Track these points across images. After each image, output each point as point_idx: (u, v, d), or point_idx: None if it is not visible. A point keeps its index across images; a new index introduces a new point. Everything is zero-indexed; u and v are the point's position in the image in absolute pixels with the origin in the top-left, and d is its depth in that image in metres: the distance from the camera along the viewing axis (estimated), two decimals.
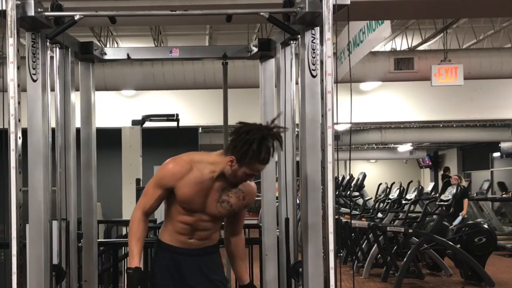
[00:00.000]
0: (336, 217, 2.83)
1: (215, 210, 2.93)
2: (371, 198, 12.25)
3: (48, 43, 3.23)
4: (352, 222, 9.37)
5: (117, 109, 10.83)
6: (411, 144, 20.02)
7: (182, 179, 2.85)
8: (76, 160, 3.61)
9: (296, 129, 3.45)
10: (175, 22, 7.18)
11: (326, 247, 2.84)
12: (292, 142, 3.47)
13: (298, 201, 3.54)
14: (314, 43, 3.07)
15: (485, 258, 8.21)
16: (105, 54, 3.86)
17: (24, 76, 3.04)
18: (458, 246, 8.10)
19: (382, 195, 11.05)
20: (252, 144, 2.73)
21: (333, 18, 2.83)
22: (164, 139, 10.80)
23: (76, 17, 3.11)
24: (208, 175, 2.87)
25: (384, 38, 6.88)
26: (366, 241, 9.25)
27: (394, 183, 11.09)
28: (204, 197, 2.89)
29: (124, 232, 7.20)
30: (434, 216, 8.75)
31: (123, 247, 5.81)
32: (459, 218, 10.36)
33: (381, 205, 10.59)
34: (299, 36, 3.22)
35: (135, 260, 2.84)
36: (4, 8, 2.82)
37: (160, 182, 2.90)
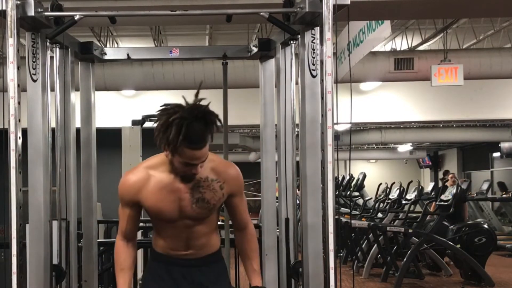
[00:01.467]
0: (336, 217, 2.83)
1: (193, 212, 2.55)
2: (371, 198, 12.25)
3: (48, 43, 3.23)
4: (352, 222, 9.37)
5: (117, 109, 10.83)
6: (411, 144, 20.00)
7: (142, 190, 2.54)
8: (76, 160, 3.60)
9: (296, 129, 3.44)
10: (175, 22, 7.18)
11: (326, 247, 2.83)
12: (292, 142, 3.47)
13: (298, 201, 3.54)
14: (314, 43, 3.07)
15: (485, 258, 8.21)
16: (105, 54, 3.86)
17: (24, 76, 3.03)
18: (458, 246, 8.10)
19: (382, 195, 11.05)
20: (164, 128, 2.36)
21: (333, 18, 2.83)
22: None
23: (76, 17, 3.11)
24: (169, 177, 2.53)
25: (384, 38, 6.88)
26: (366, 241, 9.25)
27: (394, 183, 11.08)
28: (175, 202, 2.53)
29: None
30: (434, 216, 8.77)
31: None
32: None
33: (381, 205, 10.59)
34: (299, 36, 3.21)
35: None
36: (4, 8, 2.82)
37: (123, 201, 2.62)
